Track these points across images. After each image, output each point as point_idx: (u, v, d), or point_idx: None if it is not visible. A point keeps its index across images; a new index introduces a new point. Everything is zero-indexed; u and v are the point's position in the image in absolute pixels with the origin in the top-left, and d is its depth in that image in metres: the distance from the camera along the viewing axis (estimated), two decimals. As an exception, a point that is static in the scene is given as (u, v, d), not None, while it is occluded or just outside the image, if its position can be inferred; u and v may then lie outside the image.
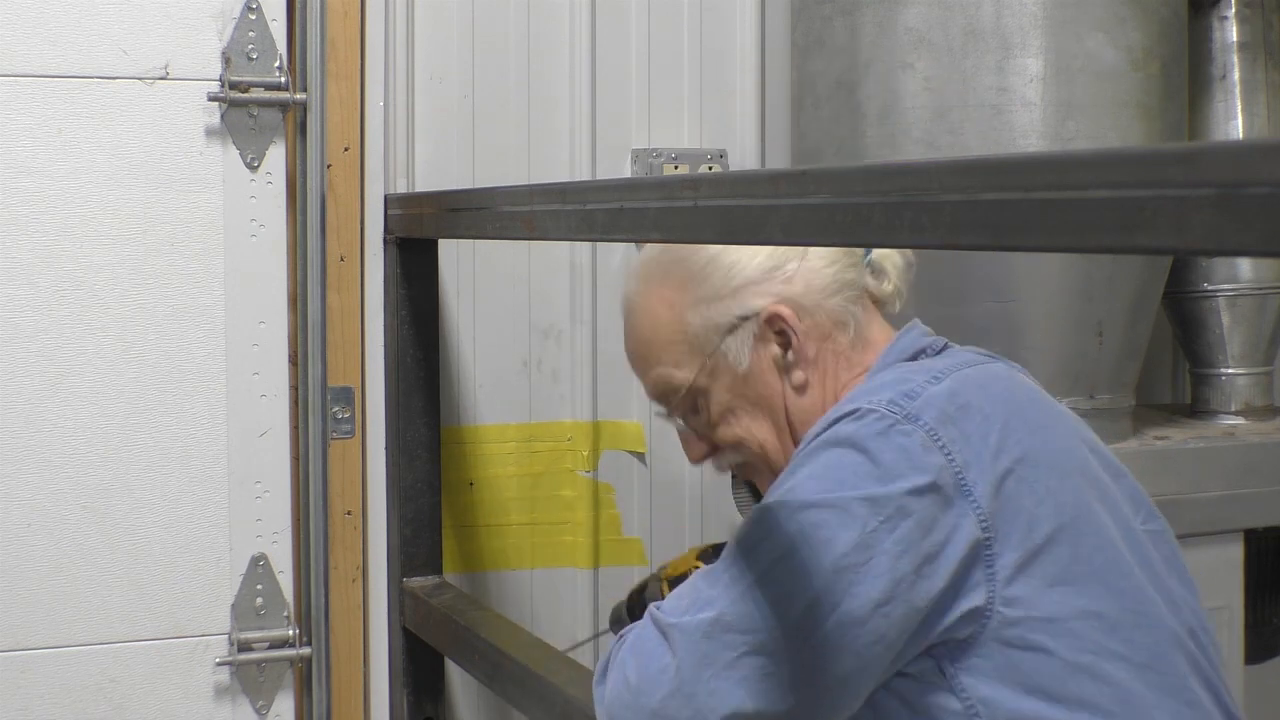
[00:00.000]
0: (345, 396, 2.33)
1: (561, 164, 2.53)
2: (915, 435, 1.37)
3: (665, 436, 2.62)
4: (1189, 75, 2.38)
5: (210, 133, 2.27)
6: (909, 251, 1.65)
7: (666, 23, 2.59)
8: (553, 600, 2.56)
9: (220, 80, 2.25)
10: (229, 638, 2.31)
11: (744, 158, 2.63)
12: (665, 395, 1.64)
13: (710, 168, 2.58)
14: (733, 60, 2.63)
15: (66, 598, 2.24)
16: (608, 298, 2.57)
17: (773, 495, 1.43)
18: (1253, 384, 2.57)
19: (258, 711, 2.34)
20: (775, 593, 1.35)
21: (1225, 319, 2.54)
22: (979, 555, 1.35)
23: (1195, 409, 2.61)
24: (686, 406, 1.62)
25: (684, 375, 1.60)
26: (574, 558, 2.56)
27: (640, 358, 1.66)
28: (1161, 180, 0.74)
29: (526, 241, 2.47)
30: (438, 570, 2.35)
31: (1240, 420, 2.54)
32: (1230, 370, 2.56)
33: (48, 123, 2.20)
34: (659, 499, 2.62)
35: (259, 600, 2.33)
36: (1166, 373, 2.90)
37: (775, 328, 1.56)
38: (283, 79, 2.28)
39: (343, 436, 2.33)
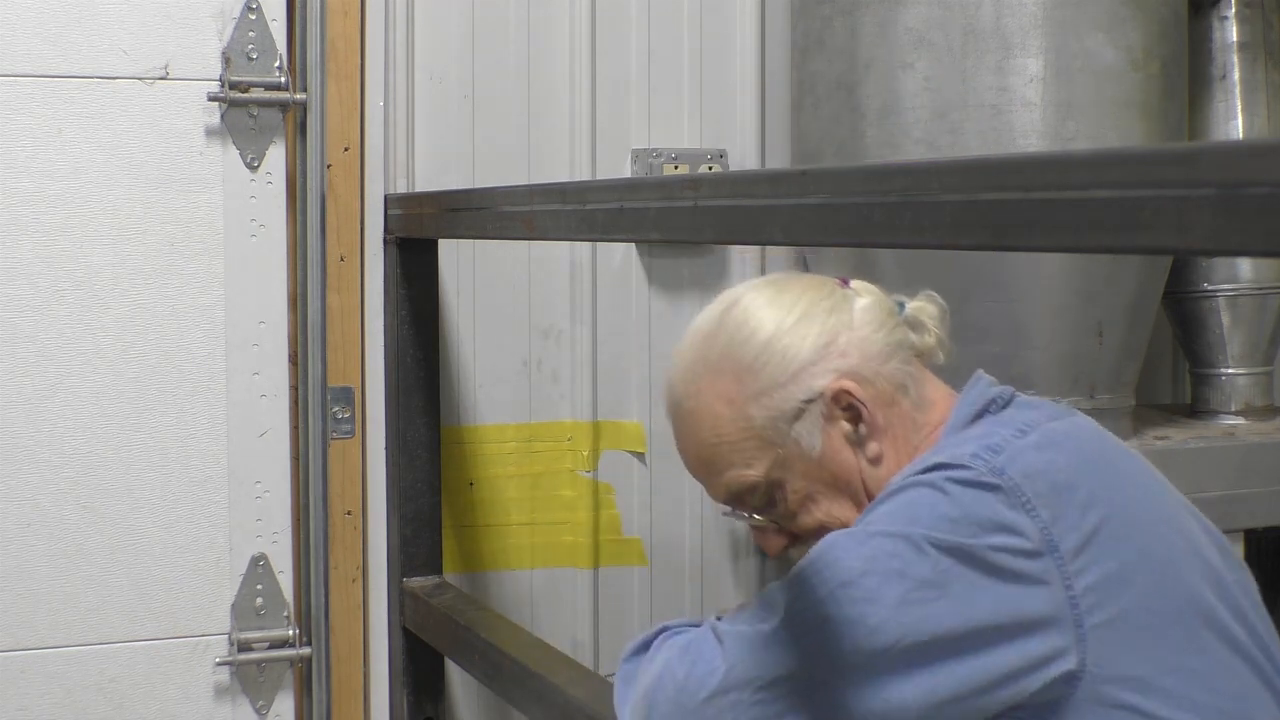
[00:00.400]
0: (345, 396, 2.33)
1: (561, 164, 2.53)
2: (1000, 489, 1.34)
3: (665, 436, 2.62)
4: (1189, 75, 2.38)
5: (210, 133, 2.27)
6: (938, 298, 1.60)
7: (666, 23, 2.59)
8: (553, 600, 2.56)
9: (220, 80, 2.25)
10: (229, 638, 2.31)
11: (744, 158, 2.63)
12: (740, 496, 1.57)
13: (710, 168, 2.58)
14: (733, 60, 2.63)
15: (66, 598, 2.24)
16: (608, 298, 2.57)
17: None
18: (1253, 384, 2.57)
19: (258, 711, 2.34)
20: (836, 615, 1.33)
21: (1225, 319, 2.54)
22: (1066, 614, 1.33)
23: (1195, 409, 2.61)
24: (763, 502, 1.55)
25: (757, 473, 1.53)
26: (574, 558, 2.56)
27: (705, 463, 1.59)
28: (1161, 180, 0.74)
29: (526, 241, 2.47)
30: (438, 570, 2.35)
31: (1240, 420, 2.54)
32: (1230, 370, 2.56)
33: (48, 123, 2.20)
34: (659, 499, 2.62)
35: (259, 600, 2.33)
36: (1166, 373, 2.90)
37: (842, 404, 1.50)
38: (283, 79, 2.28)
39: (343, 436, 2.33)
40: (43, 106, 2.19)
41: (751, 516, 1.57)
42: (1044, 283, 2.23)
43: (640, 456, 2.61)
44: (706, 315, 1.59)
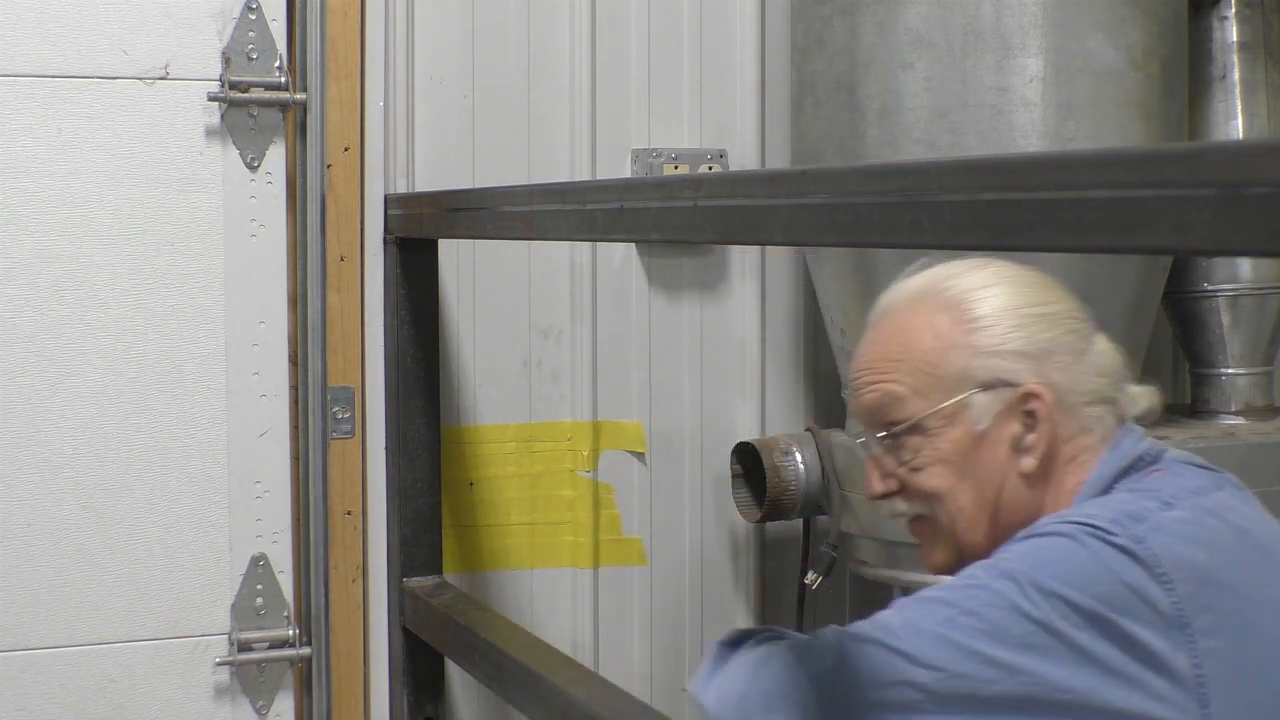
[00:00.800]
0: (345, 396, 2.33)
1: (561, 164, 2.53)
2: (1138, 558, 1.33)
3: (665, 436, 2.63)
4: (1189, 75, 2.38)
5: (210, 133, 2.27)
6: (1158, 393, 1.59)
7: (666, 23, 2.59)
8: (553, 600, 2.56)
9: (220, 80, 2.25)
10: (229, 638, 2.31)
11: (744, 158, 2.63)
12: (881, 413, 1.54)
13: (710, 168, 2.58)
14: (733, 60, 2.63)
15: (66, 598, 2.24)
16: (608, 298, 2.57)
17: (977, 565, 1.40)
18: (1253, 384, 2.57)
19: (258, 711, 2.34)
20: (952, 639, 1.33)
21: (1225, 319, 2.54)
22: (1190, 688, 1.32)
23: (1195, 409, 2.61)
24: (900, 439, 1.53)
25: (915, 408, 1.51)
26: (574, 558, 2.56)
27: (874, 369, 1.55)
28: (1161, 180, 0.74)
29: (526, 241, 2.47)
30: (438, 570, 2.35)
31: (1240, 420, 2.54)
32: (1230, 370, 2.56)
33: (48, 123, 2.20)
34: (659, 499, 2.62)
35: (259, 600, 2.33)
36: (1166, 373, 2.90)
37: (1027, 407, 1.48)
38: (283, 79, 2.28)
39: (343, 436, 2.33)
40: (43, 106, 2.19)
41: (880, 443, 1.54)
42: (1044, 283, 2.23)
43: (640, 456, 2.61)
44: (959, 262, 1.56)
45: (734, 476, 2.57)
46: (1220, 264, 2.54)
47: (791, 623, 2.66)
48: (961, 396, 1.48)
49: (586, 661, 2.52)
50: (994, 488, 1.49)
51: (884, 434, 1.53)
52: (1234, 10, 2.53)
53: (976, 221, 0.89)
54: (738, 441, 2.55)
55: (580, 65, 2.53)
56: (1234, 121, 2.53)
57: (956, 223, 0.90)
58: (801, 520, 2.58)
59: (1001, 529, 1.49)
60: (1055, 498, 1.49)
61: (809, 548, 2.59)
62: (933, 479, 1.51)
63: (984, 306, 1.51)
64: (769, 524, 2.60)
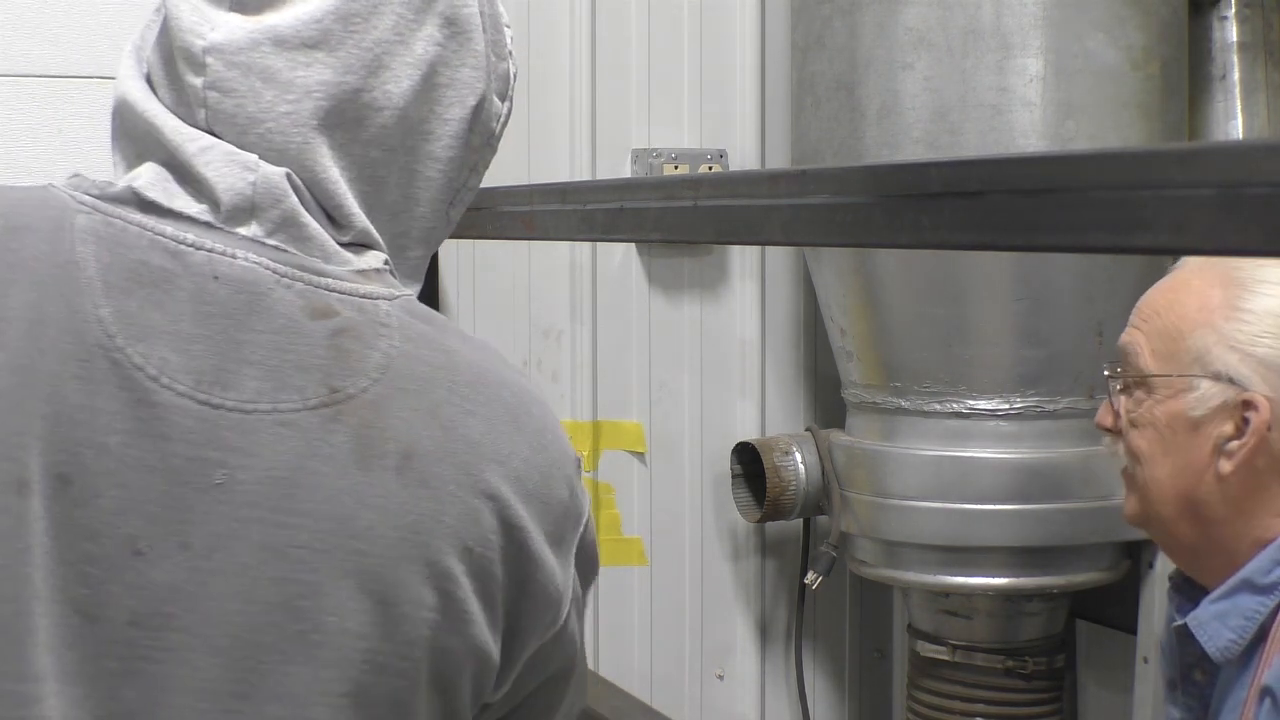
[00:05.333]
0: (345, 396, 2.33)
1: (561, 164, 2.53)
2: None
3: (665, 436, 2.63)
4: (1189, 75, 2.38)
5: (210, 133, 2.27)
6: None
7: (666, 23, 2.59)
8: (553, 600, 2.55)
9: (220, 80, 2.25)
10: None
11: (744, 158, 2.63)
12: (1125, 356, 1.56)
13: (710, 168, 2.58)
14: (733, 60, 2.63)
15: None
16: (608, 298, 2.57)
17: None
18: (1253, 384, 2.57)
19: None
20: None
21: (1225, 319, 2.54)
22: None
23: (1195, 409, 2.61)
24: (1125, 385, 1.55)
25: (1147, 366, 1.52)
26: (574, 558, 2.56)
27: (1141, 312, 1.57)
28: (1161, 180, 0.74)
29: (526, 241, 2.47)
30: (438, 570, 2.35)
31: (1240, 420, 2.54)
32: (1230, 370, 2.56)
33: (48, 123, 2.20)
34: (659, 499, 2.62)
35: (259, 600, 2.33)
36: (1166, 373, 2.90)
37: (1243, 413, 1.47)
38: (283, 79, 2.28)
39: (343, 436, 2.33)
40: (43, 106, 2.19)
41: (1118, 382, 1.56)
42: (1044, 283, 2.23)
43: (640, 456, 2.61)
44: (1269, 261, 1.53)
45: (734, 476, 2.57)
46: (1220, 264, 2.54)
47: (791, 623, 2.67)
48: (1190, 375, 1.48)
49: (587, 661, 2.52)
50: (1192, 477, 1.49)
51: (1115, 376, 1.55)
52: (1234, 10, 2.53)
53: (976, 221, 0.89)
54: (738, 441, 2.56)
55: (580, 65, 2.53)
56: (1234, 121, 2.53)
57: (956, 223, 0.90)
58: (801, 520, 2.58)
59: (1201, 523, 1.49)
60: (1265, 523, 1.48)
61: (809, 548, 2.59)
62: (1141, 439, 1.53)
63: (1259, 301, 1.48)
64: (769, 524, 2.60)
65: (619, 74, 2.56)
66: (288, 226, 0.97)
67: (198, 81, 0.98)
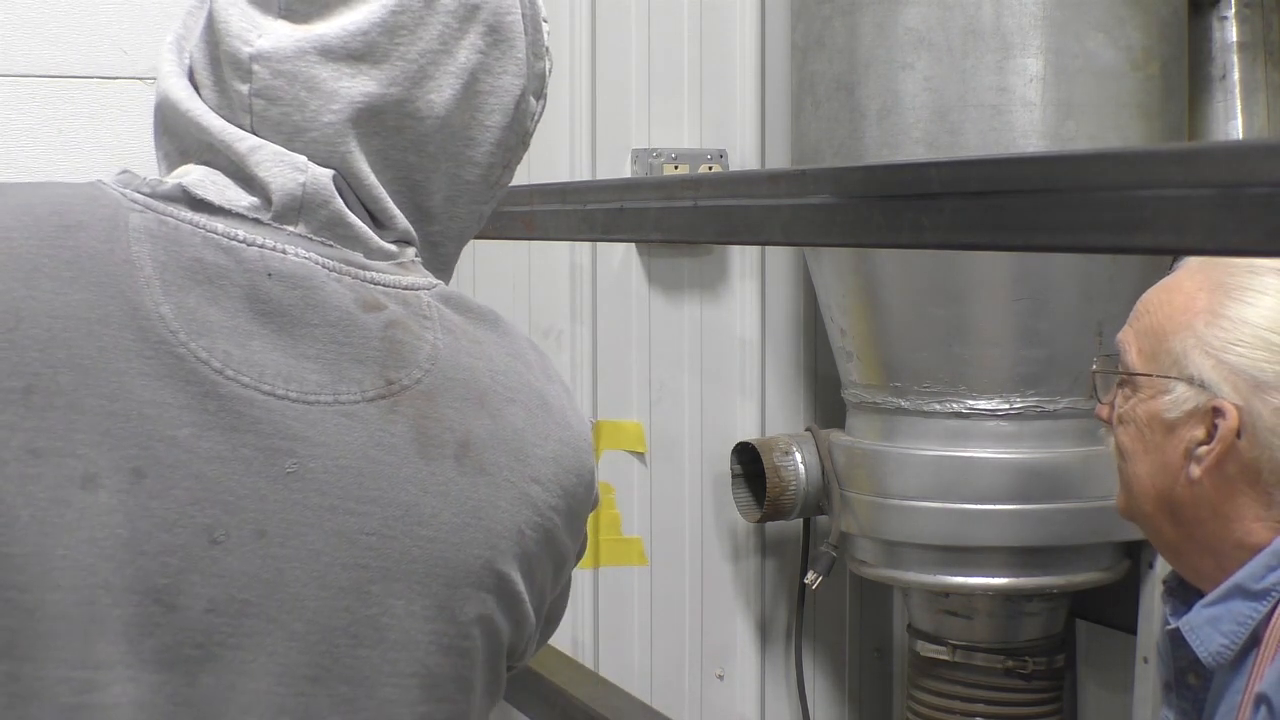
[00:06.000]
0: (345, 396, 2.33)
1: (561, 164, 2.53)
2: None
3: (665, 436, 2.63)
4: (1189, 75, 2.38)
5: (210, 133, 2.27)
6: None
7: (666, 22, 2.58)
8: (553, 600, 2.55)
9: (220, 80, 2.25)
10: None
11: (744, 158, 2.63)
12: (1118, 350, 1.59)
13: (710, 168, 2.58)
14: (733, 60, 2.63)
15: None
16: (608, 298, 2.57)
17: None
18: (1253, 384, 2.57)
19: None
20: None
21: (1225, 319, 2.54)
22: None
23: (1195, 409, 2.61)
24: (1110, 380, 1.57)
25: (1133, 360, 1.54)
26: (574, 558, 2.56)
27: (1138, 309, 1.59)
28: (1161, 180, 0.74)
29: (526, 241, 2.47)
30: (438, 570, 2.35)
31: (1240, 420, 2.54)
32: (1230, 370, 2.56)
33: (48, 123, 2.20)
34: (659, 499, 2.62)
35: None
36: (1166, 373, 2.91)
37: (1213, 419, 1.47)
38: (283, 79, 2.28)
39: (343, 436, 2.33)
40: (43, 106, 2.19)
41: (1108, 376, 1.58)
42: (1044, 283, 2.23)
43: (640, 456, 2.61)
44: (1252, 260, 1.53)
45: (734, 476, 2.57)
46: (1220, 264, 2.54)
47: (791, 623, 2.67)
48: (1168, 377, 1.50)
49: (586, 661, 2.52)
50: (1168, 477, 1.51)
51: (1101, 369, 1.58)
52: (1234, 10, 2.53)
53: (976, 221, 0.89)
54: (738, 441, 2.56)
55: (580, 65, 2.53)
56: (1234, 121, 2.53)
57: (956, 223, 0.90)
58: (801, 520, 2.58)
59: (1180, 523, 1.50)
60: (1245, 526, 1.48)
61: (809, 548, 2.59)
62: (1125, 435, 1.55)
63: (1240, 309, 1.49)
64: (769, 524, 2.60)
65: (619, 74, 2.56)
66: (334, 225, 0.99)
67: (244, 88, 1.00)
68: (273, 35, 1.00)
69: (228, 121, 1.00)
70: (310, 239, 0.98)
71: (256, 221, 0.97)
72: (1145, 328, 1.55)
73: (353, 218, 1.00)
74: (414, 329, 0.99)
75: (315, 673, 0.94)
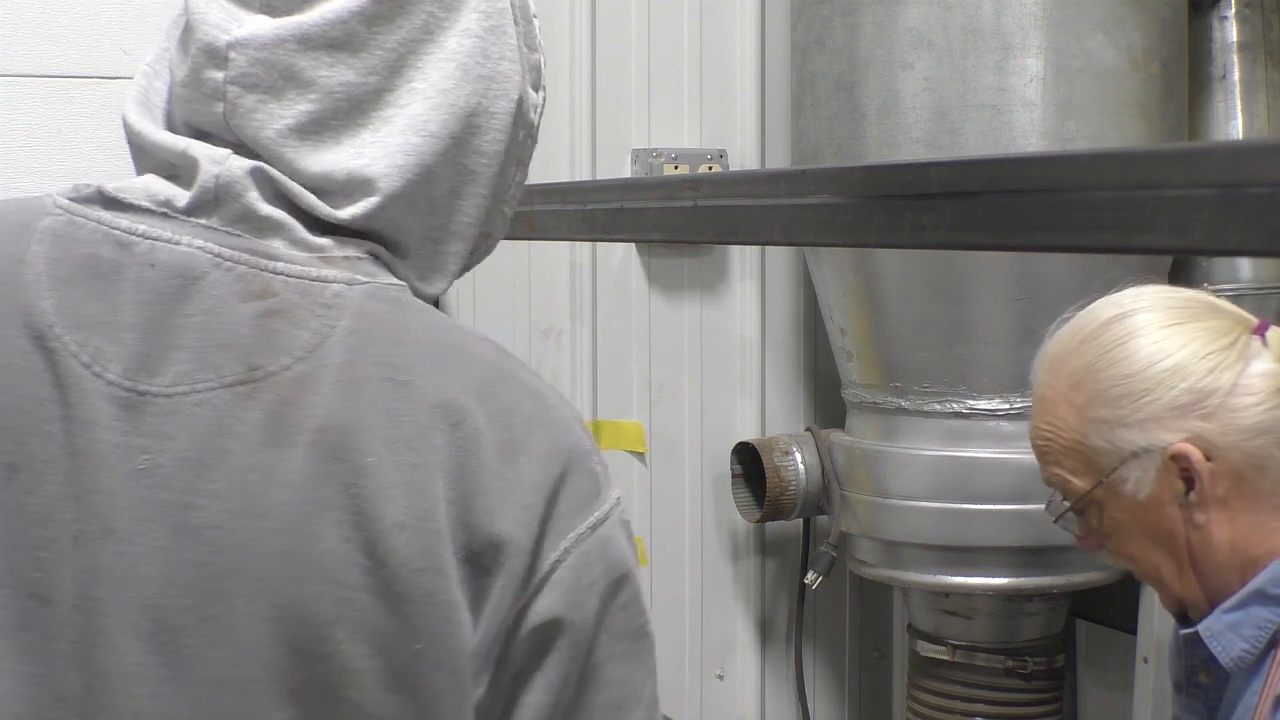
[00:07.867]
0: (345, 396, 2.33)
1: (561, 164, 2.53)
2: None
3: (665, 436, 2.63)
4: (1189, 75, 2.38)
5: (210, 133, 2.27)
6: None
7: (666, 23, 2.58)
8: (553, 600, 2.55)
9: (220, 80, 2.25)
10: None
11: (744, 158, 2.63)
12: (1058, 490, 1.57)
13: (710, 168, 2.58)
14: (733, 60, 2.63)
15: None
16: (608, 298, 2.57)
17: None
18: (1253, 384, 2.56)
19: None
20: None
21: (1225, 319, 2.54)
22: None
23: (1195, 409, 2.61)
24: (1080, 510, 1.55)
25: (1079, 485, 1.53)
26: (574, 558, 2.56)
27: (1039, 448, 1.58)
28: (1161, 180, 0.74)
29: (526, 241, 2.47)
30: (438, 570, 2.35)
31: (1240, 420, 2.54)
32: (1230, 370, 2.56)
33: (48, 123, 2.20)
34: (659, 499, 2.62)
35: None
36: (1166, 373, 2.90)
37: (1181, 465, 1.46)
38: (283, 79, 2.28)
39: (343, 436, 2.33)
40: (43, 106, 2.19)
41: (1066, 514, 1.56)
42: (1044, 283, 2.23)
43: (640, 456, 2.61)
44: (1098, 313, 1.55)
45: (734, 476, 2.57)
46: (1220, 264, 2.54)
47: (791, 623, 2.67)
48: (1115, 471, 1.49)
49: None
50: (1181, 544, 1.49)
51: (1060, 515, 1.56)
52: (1234, 10, 2.53)
53: (976, 221, 0.89)
54: (738, 441, 2.56)
55: (580, 65, 2.53)
56: (1234, 121, 2.53)
57: (956, 223, 0.90)
58: (801, 520, 2.58)
59: (1213, 573, 1.49)
60: (1253, 540, 1.48)
61: (809, 548, 2.59)
62: (1122, 545, 1.53)
63: (1111, 376, 1.49)
64: (769, 524, 2.60)
65: (619, 74, 2.56)
66: (248, 218, 0.97)
67: (219, 75, 0.99)
68: (252, 25, 1.00)
69: (196, 114, 1.00)
70: (215, 229, 0.96)
71: (165, 216, 0.96)
72: (1062, 451, 1.54)
73: (268, 209, 0.96)
74: (298, 317, 0.94)
75: (170, 674, 0.91)
